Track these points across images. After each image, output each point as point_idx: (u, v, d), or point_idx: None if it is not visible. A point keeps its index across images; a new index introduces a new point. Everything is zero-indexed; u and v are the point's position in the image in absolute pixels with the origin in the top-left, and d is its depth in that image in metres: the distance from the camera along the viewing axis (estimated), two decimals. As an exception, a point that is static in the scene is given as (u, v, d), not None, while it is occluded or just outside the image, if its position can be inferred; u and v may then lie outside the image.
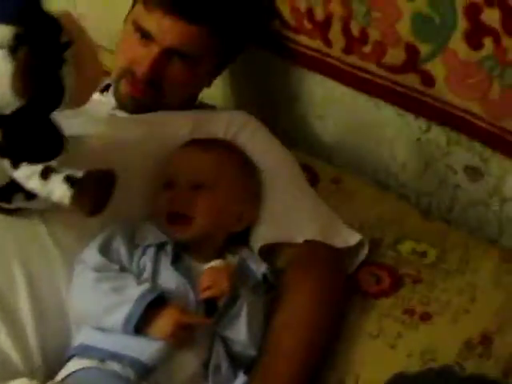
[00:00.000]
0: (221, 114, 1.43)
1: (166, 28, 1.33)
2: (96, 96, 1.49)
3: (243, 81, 1.66)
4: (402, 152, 1.47)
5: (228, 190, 1.26)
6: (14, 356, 1.14)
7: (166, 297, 1.14)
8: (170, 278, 1.18)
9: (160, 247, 1.21)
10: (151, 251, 1.20)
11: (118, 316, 1.10)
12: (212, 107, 1.55)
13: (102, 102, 1.47)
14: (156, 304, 1.11)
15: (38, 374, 1.15)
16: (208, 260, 1.21)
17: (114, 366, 1.10)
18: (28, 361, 1.15)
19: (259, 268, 1.24)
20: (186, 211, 1.22)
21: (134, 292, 1.12)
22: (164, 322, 1.10)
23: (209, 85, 1.51)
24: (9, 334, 1.14)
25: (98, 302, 1.14)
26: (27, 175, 1.04)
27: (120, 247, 1.19)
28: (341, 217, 1.34)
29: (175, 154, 1.29)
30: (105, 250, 1.18)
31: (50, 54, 0.99)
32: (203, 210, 1.22)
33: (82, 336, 1.15)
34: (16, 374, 1.12)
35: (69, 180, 1.03)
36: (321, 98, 1.54)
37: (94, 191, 1.03)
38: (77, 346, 1.15)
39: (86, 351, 1.13)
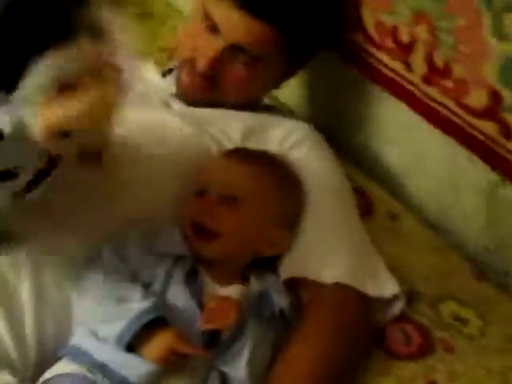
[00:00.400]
0: (281, 123, 1.33)
1: (233, 22, 1.24)
2: (156, 78, 1.42)
3: (316, 87, 1.55)
4: (468, 199, 1.33)
5: (263, 211, 1.16)
6: (9, 344, 1.08)
7: (170, 316, 1.06)
8: (179, 295, 1.09)
9: (178, 258, 1.12)
10: (168, 262, 1.12)
11: (113, 329, 1.03)
12: (277, 110, 1.45)
13: (160, 87, 1.39)
14: (155, 323, 1.03)
15: (31, 367, 1.09)
16: (227, 282, 1.13)
17: (101, 380, 1.03)
18: (22, 352, 1.09)
19: (280, 301, 1.13)
20: (212, 225, 1.12)
21: (134, 307, 1.04)
22: (157, 345, 1.02)
23: (275, 87, 1.41)
24: (6, 319, 1.08)
25: (98, 307, 1.07)
26: None
27: (136, 252, 1.12)
28: (386, 258, 1.23)
29: (213, 162, 1.20)
30: (119, 253, 1.11)
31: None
32: (231, 228, 1.13)
33: (78, 336, 1.09)
34: (8, 364, 1.07)
35: None
36: (392, 122, 1.41)
37: None
38: (70, 347, 1.08)
39: (77, 355, 1.06)
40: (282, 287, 1.16)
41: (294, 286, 1.17)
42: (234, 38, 1.24)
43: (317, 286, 1.16)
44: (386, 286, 1.18)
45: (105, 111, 0.86)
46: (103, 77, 0.85)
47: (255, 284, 1.15)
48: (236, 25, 1.23)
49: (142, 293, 1.07)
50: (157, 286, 1.10)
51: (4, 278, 1.09)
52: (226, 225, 1.12)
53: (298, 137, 1.30)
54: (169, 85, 1.39)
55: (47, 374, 1.06)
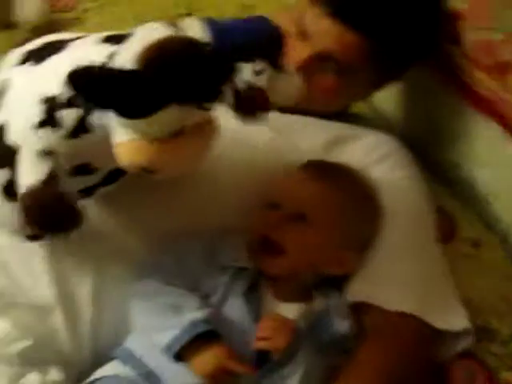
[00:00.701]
0: (366, 135, 1.28)
1: (324, 30, 1.18)
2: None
3: (410, 97, 1.48)
4: None
5: (334, 231, 1.11)
6: (65, 340, 1.10)
7: (225, 329, 1.04)
8: (236, 309, 1.07)
9: (239, 271, 1.10)
10: (229, 273, 1.09)
11: (164, 337, 1.02)
12: (365, 120, 1.39)
13: None
14: (208, 335, 1.02)
15: (84, 364, 1.11)
16: (289, 299, 1.10)
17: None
18: (77, 348, 1.11)
19: (341, 325, 1.09)
20: (279, 241, 1.09)
21: (187, 317, 1.03)
22: (206, 360, 1.01)
23: (364, 98, 1.35)
24: (64, 316, 1.10)
25: (152, 313, 1.06)
26: None
27: (197, 262, 1.10)
28: (461, 288, 1.17)
29: (289, 174, 1.16)
30: (180, 261, 1.10)
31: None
32: (298, 246, 1.09)
33: (132, 339, 1.09)
34: (61, 359, 1.09)
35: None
36: (485, 141, 1.32)
37: None
38: (122, 349, 1.08)
39: (128, 358, 1.06)
40: (345, 311, 1.11)
41: (357, 309, 1.13)
42: (324, 46, 1.19)
43: (381, 312, 1.11)
44: (456, 320, 1.12)
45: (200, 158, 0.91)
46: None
47: (318, 303, 1.12)
48: (327, 32, 1.18)
49: (198, 303, 1.05)
50: (215, 298, 1.08)
51: (66, 275, 1.11)
52: (293, 242, 1.09)
53: (382, 151, 1.25)
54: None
55: (97, 374, 1.07)
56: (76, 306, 1.10)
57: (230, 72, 0.90)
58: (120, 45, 0.85)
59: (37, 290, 1.10)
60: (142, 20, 0.86)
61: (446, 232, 1.29)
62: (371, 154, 1.24)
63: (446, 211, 1.33)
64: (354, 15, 1.17)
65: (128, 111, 0.82)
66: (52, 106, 0.88)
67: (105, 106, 0.83)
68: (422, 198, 1.24)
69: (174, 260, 1.09)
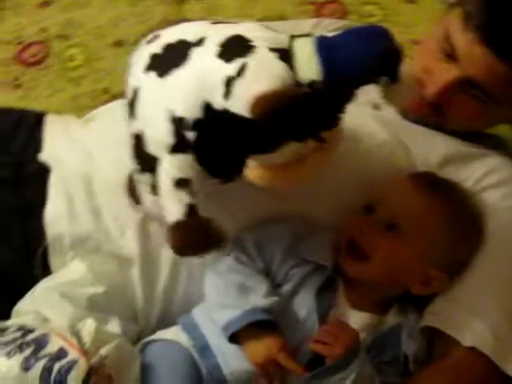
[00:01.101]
0: (487, 157, 1.20)
1: (474, 56, 1.11)
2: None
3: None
4: None
5: (425, 248, 1.06)
6: (139, 299, 1.12)
7: (288, 322, 1.04)
8: (304, 305, 1.06)
9: (318, 268, 1.08)
10: (307, 268, 1.08)
11: (224, 316, 1.03)
12: (493, 141, 1.30)
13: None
14: (268, 323, 1.01)
15: (152, 324, 1.13)
16: (362, 307, 1.08)
17: (198, 359, 1.04)
18: (148, 308, 1.13)
19: (409, 346, 1.05)
20: (366, 247, 1.06)
21: (252, 301, 1.02)
22: (260, 349, 1.01)
23: (504, 123, 1.27)
24: (142, 277, 1.12)
25: (218, 289, 1.07)
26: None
27: (278, 249, 1.08)
28: None
29: (394, 180, 1.12)
30: (261, 245, 1.09)
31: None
32: (384, 255, 1.05)
33: (198, 310, 1.10)
34: (133, 316, 1.12)
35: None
36: None
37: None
38: (187, 317, 1.10)
39: (189, 328, 1.08)
40: (417, 332, 1.06)
41: (431, 334, 1.08)
42: (472, 73, 1.12)
43: (454, 344, 1.05)
44: None
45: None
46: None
47: (393, 318, 1.09)
48: (478, 60, 1.10)
49: (266, 289, 1.05)
50: (287, 288, 1.07)
51: (152, 235, 1.12)
52: (379, 250, 1.05)
53: (500, 177, 1.17)
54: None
55: (156, 335, 1.09)
56: (155, 267, 1.12)
57: (345, 101, 0.91)
58: (235, 61, 0.88)
59: (123, 241, 1.12)
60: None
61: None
62: (488, 178, 1.17)
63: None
64: (509, 47, 1.08)
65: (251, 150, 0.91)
66: (180, 127, 0.91)
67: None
68: None
69: (256, 241, 1.09)
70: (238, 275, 1.06)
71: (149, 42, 0.99)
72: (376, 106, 1.26)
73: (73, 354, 0.92)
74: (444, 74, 1.14)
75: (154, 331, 1.11)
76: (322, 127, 0.89)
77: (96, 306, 1.07)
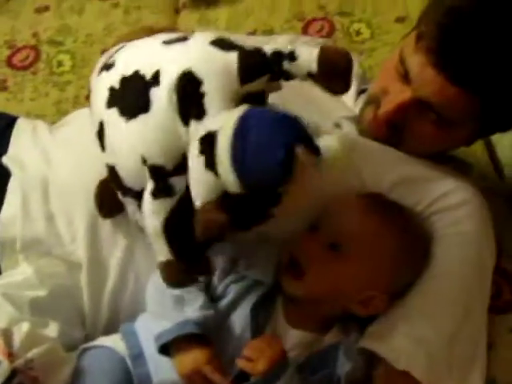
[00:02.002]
0: (445, 180, 1.18)
1: (426, 78, 1.10)
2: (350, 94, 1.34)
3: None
4: None
5: (366, 268, 1.06)
6: (87, 305, 1.14)
7: (224, 336, 1.05)
8: (240, 321, 1.07)
9: (259, 283, 1.08)
10: (246, 283, 1.09)
11: (158, 327, 1.04)
12: (465, 166, 1.30)
13: (344, 104, 1.32)
14: (199, 337, 1.02)
15: (99, 331, 1.15)
16: (300, 325, 1.08)
17: (131, 367, 1.05)
18: (95, 314, 1.14)
19: (343, 365, 1.04)
20: (303, 263, 1.06)
21: (184, 314, 1.04)
22: (187, 361, 1.02)
23: (466, 145, 1.26)
24: (89, 283, 1.13)
25: (155, 300, 1.09)
26: None
27: (219, 263, 1.09)
28: (495, 369, 1.10)
29: (338, 201, 1.11)
30: None
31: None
32: (320, 273, 1.05)
33: (139, 319, 1.11)
34: (81, 321, 1.14)
35: None
36: None
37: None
38: (128, 325, 1.11)
39: (128, 335, 1.09)
40: (354, 352, 1.06)
41: (371, 355, 1.07)
42: (424, 94, 1.11)
43: (387, 367, 1.05)
44: None
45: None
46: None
47: (331, 337, 1.08)
48: (428, 82, 1.10)
49: (203, 303, 1.05)
50: (224, 303, 1.08)
51: (101, 241, 1.14)
52: (315, 268, 1.05)
53: (455, 200, 1.16)
54: (354, 106, 1.31)
55: (97, 341, 1.10)
56: (103, 272, 1.14)
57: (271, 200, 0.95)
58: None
59: (73, 246, 1.14)
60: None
61: (508, 300, 1.20)
62: (443, 201, 1.15)
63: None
64: (459, 71, 1.07)
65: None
66: (161, 174, 0.95)
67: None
68: (483, 259, 1.14)
69: None
70: None
71: (106, 68, 1.01)
72: (337, 125, 1.26)
73: (-3, 355, 0.94)
74: (398, 94, 1.14)
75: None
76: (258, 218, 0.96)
77: (38, 309, 1.09)
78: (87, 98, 1.59)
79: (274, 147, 0.87)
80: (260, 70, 0.97)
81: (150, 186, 0.96)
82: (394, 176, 1.17)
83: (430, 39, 1.09)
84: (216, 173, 0.89)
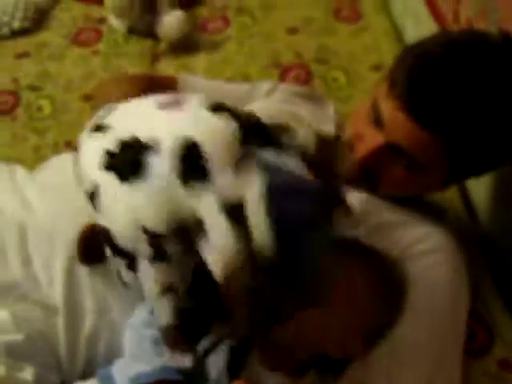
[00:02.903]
0: (419, 225, 1.21)
1: (397, 123, 1.12)
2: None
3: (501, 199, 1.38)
4: None
5: (344, 315, 1.06)
6: (63, 351, 1.13)
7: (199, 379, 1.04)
8: (217, 364, 1.05)
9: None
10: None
11: (136, 368, 1.03)
12: (439, 212, 1.32)
13: None
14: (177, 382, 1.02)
15: (76, 376, 1.14)
16: (277, 369, 1.06)
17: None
18: (72, 361, 1.13)
19: None
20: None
21: (163, 359, 1.03)
22: None
23: (441, 190, 1.28)
24: (67, 320, 1.13)
25: (133, 343, 1.08)
26: None
27: None
28: None
29: None
30: None
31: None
32: (297, 321, 1.03)
33: (116, 363, 1.10)
34: (53, 361, 1.13)
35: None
36: None
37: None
38: (105, 370, 1.09)
39: (105, 380, 1.07)
40: None
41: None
42: (395, 138, 1.13)
43: None
44: None
45: None
46: None
47: (309, 381, 1.08)
48: (400, 126, 1.12)
49: None
50: (202, 346, 1.07)
51: (79, 285, 1.14)
52: (295, 317, 1.04)
53: (430, 245, 1.18)
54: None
55: (74, 387, 1.09)
56: (80, 317, 1.13)
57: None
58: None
59: (50, 289, 1.14)
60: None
61: (482, 343, 1.21)
62: (416, 246, 1.18)
63: (486, 323, 1.24)
64: (428, 116, 1.09)
65: None
66: (157, 240, 0.93)
67: None
68: (458, 303, 1.16)
69: None
70: (153, 330, 1.07)
71: (100, 129, 1.00)
72: None
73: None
74: (371, 139, 1.16)
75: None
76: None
77: (14, 353, 1.08)
78: (67, 144, 1.64)
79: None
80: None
81: (146, 251, 0.95)
82: (370, 224, 1.18)
83: (400, 84, 1.11)
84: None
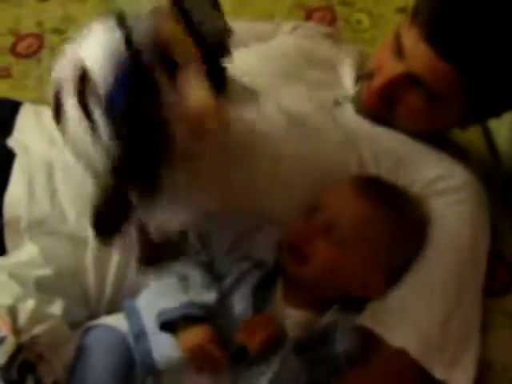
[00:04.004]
0: (441, 161, 1.22)
1: (417, 53, 1.13)
2: (348, 76, 1.36)
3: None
4: None
5: (365, 253, 1.09)
6: (91, 282, 1.15)
7: (225, 315, 1.07)
8: (241, 300, 1.08)
9: (260, 264, 1.11)
10: (248, 263, 1.11)
11: (161, 303, 1.06)
12: (462, 151, 1.32)
13: (344, 85, 1.35)
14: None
15: (103, 307, 1.16)
16: (300, 306, 1.09)
17: (133, 344, 1.06)
18: (100, 291, 1.16)
19: (342, 343, 1.05)
20: (306, 251, 1.08)
21: (189, 294, 1.07)
22: (190, 338, 1.03)
23: (462, 128, 1.28)
24: (96, 253, 1.15)
25: (160, 277, 1.11)
26: None
27: (221, 243, 1.12)
28: (490, 350, 1.13)
29: (335, 185, 1.14)
30: (205, 238, 1.12)
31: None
32: (324, 259, 1.07)
33: (143, 295, 1.12)
34: (85, 301, 1.16)
35: None
36: None
37: None
38: (130, 303, 1.12)
39: (130, 313, 1.10)
40: (351, 330, 1.08)
41: (368, 335, 1.09)
42: (415, 69, 1.14)
43: (386, 344, 1.07)
44: (460, 374, 1.07)
45: None
46: None
47: (330, 317, 1.10)
48: (420, 56, 1.13)
49: (207, 284, 1.09)
50: (227, 282, 1.10)
51: None
52: (318, 254, 1.07)
53: (453, 183, 1.19)
54: (353, 88, 1.34)
55: (101, 320, 1.12)
56: (108, 251, 1.14)
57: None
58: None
59: (79, 222, 1.15)
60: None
61: (503, 283, 1.22)
62: (440, 183, 1.19)
63: (508, 261, 1.24)
64: (449, 46, 1.10)
65: None
66: None
67: None
68: (479, 241, 1.17)
69: (199, 234, 1.12)
70: (180, 266, 1.09)
71: None
72: (336, 102, 1.29)
73: (3, 331, 0.96)
74: (391, 69, 1.17)
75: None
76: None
77: (43, 288, 1.11)
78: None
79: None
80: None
81: None
82: (392, 158, 1.20)
83: (423, 14, 1.12)
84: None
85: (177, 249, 1.11)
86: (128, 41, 0.84)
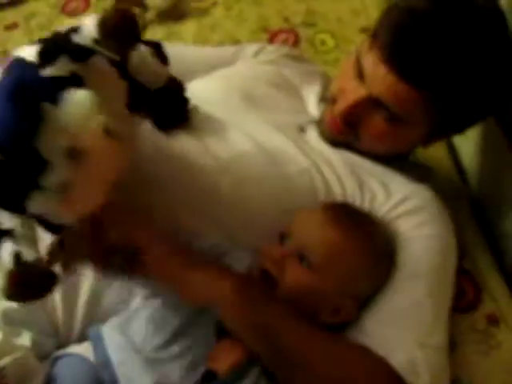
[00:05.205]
0: (405, 184, 1.23)
1: (378, 75, 1.13)
2: (312, 101, 1.37)
3: (482, 156, 1.39)
4: None
5: (335, 279, 1.08)
6: (60, 317, 1.14)
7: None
8: (206, 324, 1.07)
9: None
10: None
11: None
12: (426, 171, 1.33)
13: (308, 109, 1.35)
14: None
15: (73, 340, 1.15)
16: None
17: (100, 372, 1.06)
18: (69, 325, 1.15)
19: None
20: (276, 275, 1.08)
21: None
22: None
23: (425, 146, 1.29)
24: (64, 288, 1.13)
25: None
26: None
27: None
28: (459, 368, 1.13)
29: (304, 211, 1.14)
30: None
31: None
32: (293, 285, 1.07)
33: (109, 322, 1.12)
34: (54, 326, 1.14)
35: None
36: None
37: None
38: (97, 332, 1.11)
39: (97, 342, 1.09)
40: None
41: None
42: (376, 91, 1.15)
43: None
44: None
45: None
46: None
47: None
48: (380, 78, 1.13)
49: None
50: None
51: None
52: (290, 280, 1.07)
53: (416, 203, 1.20)
54: (317, 111, 1.35)
55: (69, 349, 1.11)
56: (77, 282, 1.14)
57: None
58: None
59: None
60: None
61: (467, 302, 1.24)
62: (403, 205, 1.19)
63: (475, 280, 1.26)
64: (409, 68, 1.10)
65: None
66: None
67: None
68: (446, 261, 1.18)
69: None
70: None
71: None
72: (301, 129, 1.30)
73: (-29, 363, 0.95)
74: (353, 92, 1.18)
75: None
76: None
77: (11, 320, 1.10)
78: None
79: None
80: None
81: None
82: (357, 182, 1.21)
83: (382, 36, 1.13)
84: None
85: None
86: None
